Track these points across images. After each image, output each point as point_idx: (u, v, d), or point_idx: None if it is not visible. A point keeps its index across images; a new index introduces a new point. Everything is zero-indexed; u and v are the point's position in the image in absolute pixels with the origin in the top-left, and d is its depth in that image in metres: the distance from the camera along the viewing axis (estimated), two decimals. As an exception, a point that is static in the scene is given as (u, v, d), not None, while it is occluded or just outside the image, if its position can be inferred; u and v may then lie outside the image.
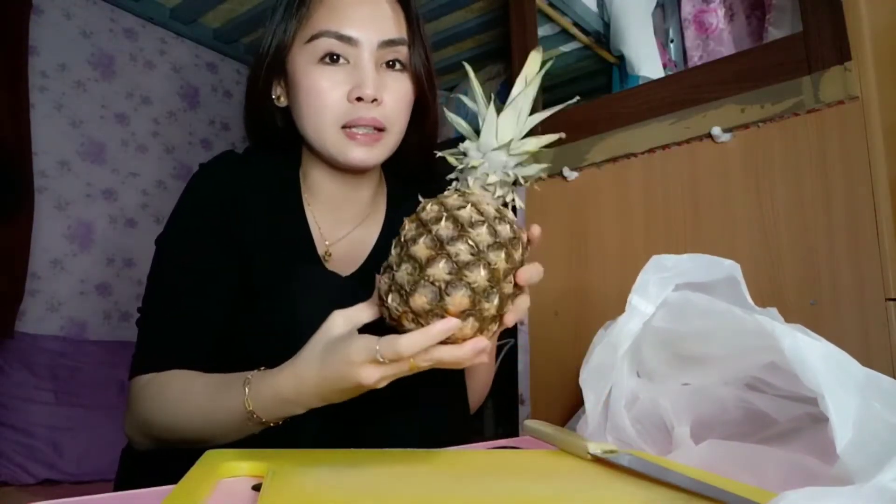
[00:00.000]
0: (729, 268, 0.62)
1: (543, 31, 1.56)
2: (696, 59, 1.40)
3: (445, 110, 0.57)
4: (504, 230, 0.48)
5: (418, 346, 0.45)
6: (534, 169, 0.54)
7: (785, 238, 0.91)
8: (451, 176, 0.54)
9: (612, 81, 1.55)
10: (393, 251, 0.49)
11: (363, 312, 0.53)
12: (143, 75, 2.38)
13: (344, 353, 0.49)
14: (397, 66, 0.74)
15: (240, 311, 0.72)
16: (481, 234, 0.47)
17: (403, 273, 0.46)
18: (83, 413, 1.86)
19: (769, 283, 0.91)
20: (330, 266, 0.77)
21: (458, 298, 0.45)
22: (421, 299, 0.45)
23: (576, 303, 1.16)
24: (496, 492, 0.42)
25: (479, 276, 0.46)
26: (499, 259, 0.47)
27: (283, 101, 0.78)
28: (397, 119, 0.75)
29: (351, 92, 0.71)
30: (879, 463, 0.36)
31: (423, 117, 0.81)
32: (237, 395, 0.57)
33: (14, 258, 1.88)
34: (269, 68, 0.75)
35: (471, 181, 0.52)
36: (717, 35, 1.37)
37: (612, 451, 0.52)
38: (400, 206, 0.87)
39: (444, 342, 0.46)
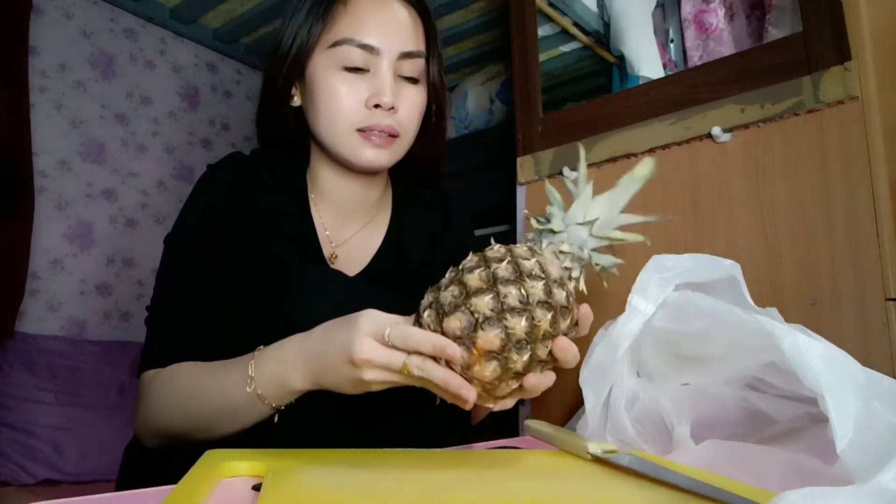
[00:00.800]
0: (729, 268, 0.62)
1: (543, 31, 1.56)
2: (696, 59, 1.40)
3: (548, 184, 0.56)
4: (560, 296, 0.47)
5: (428, 344, 0.45)
6: (608, 261, 0.52)
7: (785, 238, 0.91)
8: (530, 235, 0.52)
9: (612, 81, 1.55)
10: (448, 274, 0.48)
11: (397, 319, 0.52)
12: (143, 75, 2.38)
13: (355, 319, 0.50)
14: (412, 80, 0.76)
15: (246, 310, 0.72)
16: (535, 288, 0.46)
17: (448, 294, 0.46)
18: (83, 413, 1.86)
19: (769, 283, 0.91)
20: (335, 267, 0.77)
21: (490, 336, 0.44)
22: (454, 323, 0.44)
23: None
24: (496, 492, 0.42)
25: (519, 325, 0.44)
26: (544, 318, 0.45)
27: (296, 101, 0.79)
28: (410, 127, 0.77)
29: (369, 99, 0.72)
30: (879, 463, 0.36)
31: (435, 126, 0.83)
32: (244, 363, 0.58)
33: (14, 258, 1.88)
34: (290, 69, 0.76)
35: (544, 243, 0.51)
36: (717, 35, 1.37)
37: (612, 451, 0.52)
38: (404, 211, 0.88)
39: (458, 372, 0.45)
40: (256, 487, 0.42)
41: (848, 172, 0.85)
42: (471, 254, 0.50)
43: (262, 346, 0.59)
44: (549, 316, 0.46)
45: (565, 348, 0.47)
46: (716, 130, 0.99)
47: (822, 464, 0.46)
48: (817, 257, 0.87)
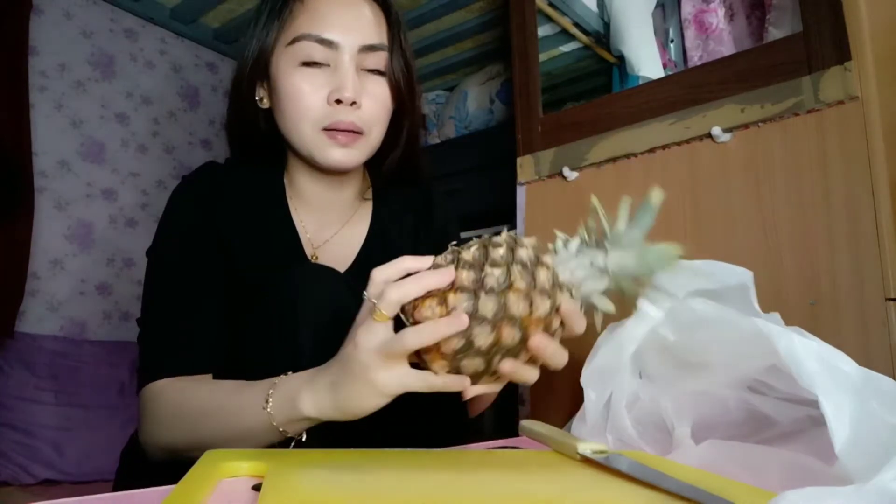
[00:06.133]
0: (742, 275, 0.62)
1: (543, 31, 1.56)
2: (696, 59, 1.40)
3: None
4: (543, 282, 0.47)
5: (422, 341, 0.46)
6: (604, 304, 0.52)
7: (785, 238, 0.91)
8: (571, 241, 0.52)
9: (612, 81, 1.55)
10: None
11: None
12: (143, 75, 2.38)
13: (357, 326, 0.50)
14: (377, 72, 0.76)
15: (235, 313, 0.72)
16: (515, 276, 0.47)
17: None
18: (83, 413, 1.86)
19: (769, 283, 0.91)
20: None
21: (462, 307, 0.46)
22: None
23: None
24: (495, 492, 0.42)
25: (488, 305, 0.45)
26: (517, 304, 0.46)
27: (265, 104, 0.79)
28: (376, 122, 0.76)
29: (330, 95, 0.72)
30: (879, 463, 0.36)
31: (404, 120, 0.82)
32: (264, 385, 0.57)
33: (14, 258, 1.88)
34: (252, 71, 0.77)
35: (573, 249, 0.51)
36: (717, 35, 1.37)
37: (601, 452, 0.52)
38: (386, 203, 0.88)
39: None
40: (256, 487, 0.42)
41: (848, 172, 0.85)
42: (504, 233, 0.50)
43: (289, 372, 0.57)
44: (523, 304, 0.46)
45: (541, 345, 0.47)
46: (716, 130, 0.99)
47: (823, 464, 0.46)
48: (817, 257, 0.87)
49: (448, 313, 0.45)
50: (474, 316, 0.45)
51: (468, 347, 0.46)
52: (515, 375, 0.49)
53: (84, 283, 2.14)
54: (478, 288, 0.45)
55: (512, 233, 0.51)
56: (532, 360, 0.50)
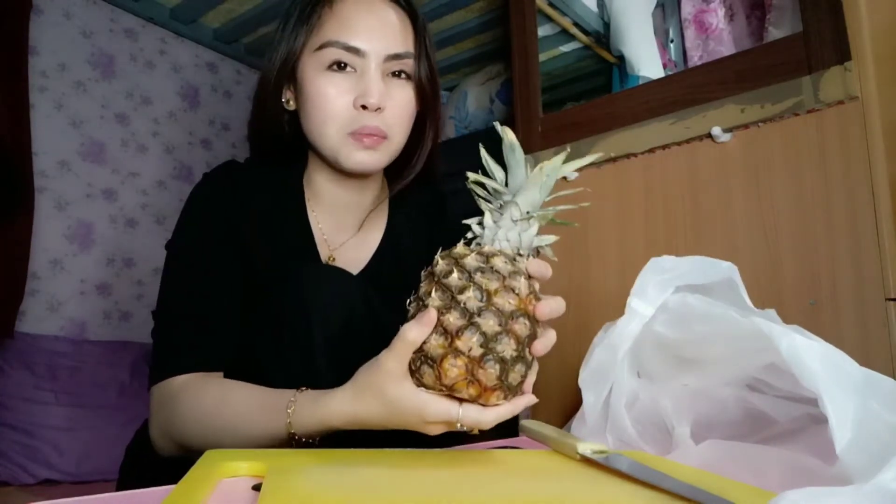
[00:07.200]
0: (727, 270, 0.62)
1: (543, 31, 1.56)
2: (696, 59, 1.40)
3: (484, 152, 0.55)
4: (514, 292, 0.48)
5: (503, 418, 0.49)
6: (546, 240, 0.53)
7: (785, 238, 0.91)
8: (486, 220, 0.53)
9: (612, 81, 1.55)
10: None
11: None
12: (143, 75, 2.38)
13: (417, 410, 0.50)
14: (402, 76, 0.77)
15: (249, 310, 0.73)
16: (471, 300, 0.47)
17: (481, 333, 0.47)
18: (83, 413, 1.86)
19: (769, 283, 0.91)
20: None
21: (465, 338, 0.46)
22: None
23: (576, 303, 1.16)
24: (495, 492, 0.42)
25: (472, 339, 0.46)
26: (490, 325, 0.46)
27: (291, 105, 0.80)
28: (399, 127, 0.77)
29: (356, 100, 0.73)
30: (879, 463, 0.36)
31: (426, 126, 0.83)
32: (278, 417, 0.57)
33: (14, 258, 1.87)
34: (279, 73, 0.77)
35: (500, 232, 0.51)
36: (717, 35, 1.37)
37: (601, 452, 0.52)
38: (401, 207, 0.89)
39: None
40: (256, 487, 0.42)
41: (848, 172, 0.85)
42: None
43: (294, 398, 0.58)
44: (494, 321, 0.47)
45: (544, 310, 0.49)
46: (716, 130, 0.99)
47: (822, 464, 0.46)
48: (817, 257, 0.87)
49: (470, 360, 0.46)
50: (488, 339, 0.46)
51: (510, 363, 0.47)
52: (548, 346, 0.50)
53: (84, 283, 2.14)
54: (469, 318, 0.46)
55: (440, 253, 0.51)
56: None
